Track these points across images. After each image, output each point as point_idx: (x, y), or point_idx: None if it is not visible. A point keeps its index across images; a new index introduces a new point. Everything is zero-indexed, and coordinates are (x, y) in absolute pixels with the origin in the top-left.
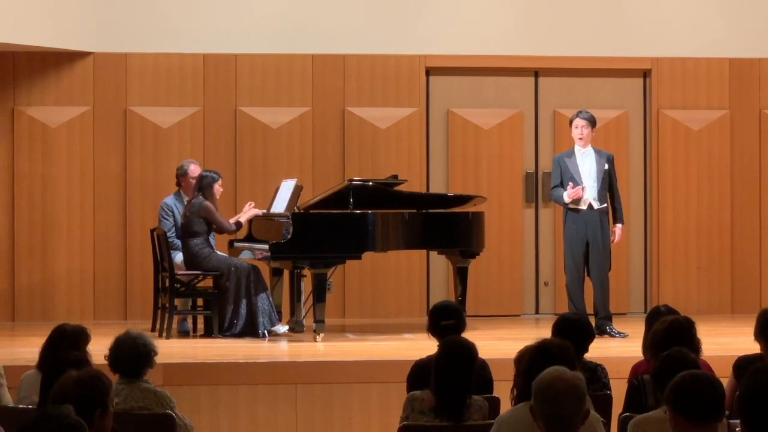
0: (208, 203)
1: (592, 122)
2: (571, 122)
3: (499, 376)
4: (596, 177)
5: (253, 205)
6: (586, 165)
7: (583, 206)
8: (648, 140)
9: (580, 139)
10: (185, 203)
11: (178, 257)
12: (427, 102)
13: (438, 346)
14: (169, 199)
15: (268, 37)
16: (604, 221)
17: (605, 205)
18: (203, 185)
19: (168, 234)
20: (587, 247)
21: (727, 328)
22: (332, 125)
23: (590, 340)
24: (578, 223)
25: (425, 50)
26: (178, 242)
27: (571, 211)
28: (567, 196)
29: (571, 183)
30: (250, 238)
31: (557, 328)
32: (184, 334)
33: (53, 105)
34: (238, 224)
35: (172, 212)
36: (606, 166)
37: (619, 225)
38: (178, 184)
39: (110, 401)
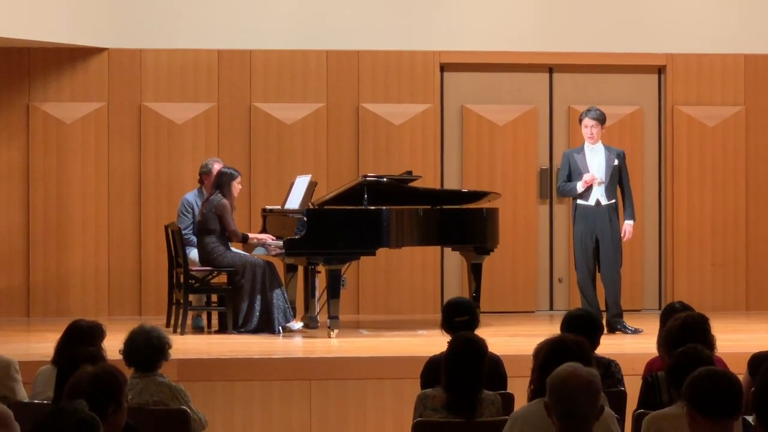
0: (225, 201)
1: (601, 120)
2: (580, 120)
3: (513, 372)
4: (605, 173)
5: (271, 239)
6: (595, 161)
7: (591, 202)
8: (663, 137)
9: (590, 137)
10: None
11: (193, 254)
12: (441, 98)
13: (448, 342)
14: (191, 196)
15: (283, 33)
16: (614, 217)
17: (614, 201)
18: (222, 182)
19: (184, 231)
20: (597, 243)
21: (742, 325)
22: (347, 121)
23: (599, 333)
24: (587, 219)
25: (440, 46)
26: (194, 239)
27: (581, 206)
28: (580, 185)
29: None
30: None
31: (565, 326)
32: (198, 329)
33: (68, 101)
34: (246, 237)
35: (192, 209)
36: (616, 162)
37: (629, 222)
38: (201, 182)
39: (124, 397)
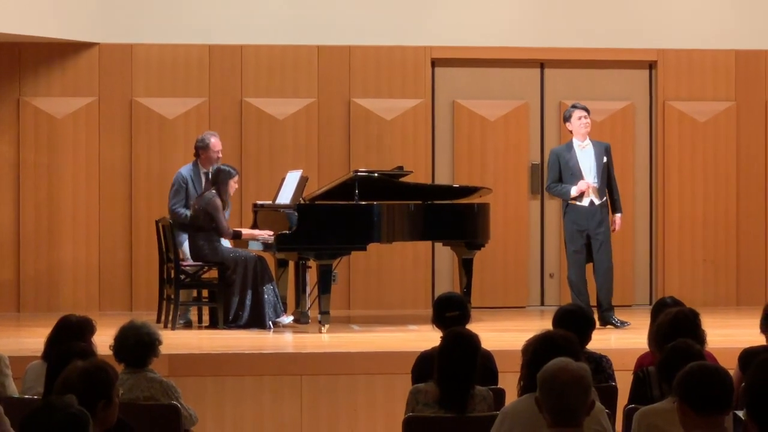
0: (216, 200)
1: (589, 113)
2: (569, 115)
3: (504, 367)
4: (597, 173)
5: (269, 234)
6: (587, 162)
7: (585, 203)
8: (654, 132)
9: (587, 129)
10: (200, 177)
11: (185, 246)
12: (432, 93)
13: (441, 337)
14: (185, 170)
15: (274, 28)
16: (605, 215)
17: (605, 199)
18: (219, 180)
19: (177, 206)
20: (588, 239)
21: (732, 320)
22: (338, 116)
23: (591, 329)
24: (578, 216)
25: (431, 42)
26: (185, 212)
27: (572, 204)
28: (574, 190)
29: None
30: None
31: (557, 321)
32: (186, 324)
33: (59, 96)
34: (237, 234)
35: (187, 184)
36: (604, 159)
37: (618, 214)
38: (197, 155)
39: (115, 393)
